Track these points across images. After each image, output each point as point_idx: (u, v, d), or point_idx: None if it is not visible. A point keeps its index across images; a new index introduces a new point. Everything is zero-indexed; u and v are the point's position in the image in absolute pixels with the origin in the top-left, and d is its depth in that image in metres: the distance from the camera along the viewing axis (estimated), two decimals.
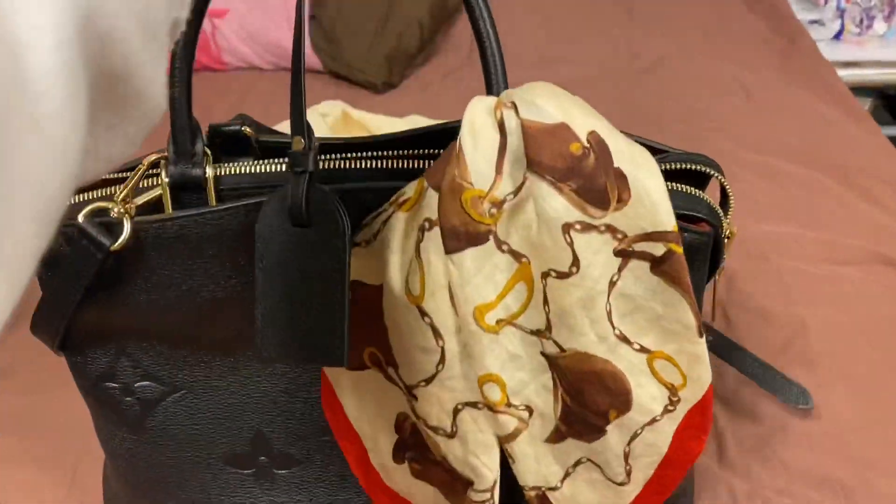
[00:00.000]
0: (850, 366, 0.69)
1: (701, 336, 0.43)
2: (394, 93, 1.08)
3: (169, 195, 0.45)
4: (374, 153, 0.47)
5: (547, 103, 0.39)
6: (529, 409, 0.44)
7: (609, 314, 0.41)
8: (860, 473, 0.62)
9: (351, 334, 0.44)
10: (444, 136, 0.44)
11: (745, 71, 1.08)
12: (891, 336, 0.72)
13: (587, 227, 0.39)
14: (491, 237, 0.40)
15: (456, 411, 0.44)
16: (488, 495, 0.46)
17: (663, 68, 1.12)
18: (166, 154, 0.46)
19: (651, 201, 0.40)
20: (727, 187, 0.47)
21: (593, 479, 0.47)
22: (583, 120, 0.39)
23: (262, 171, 0.46)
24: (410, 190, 0.42)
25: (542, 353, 0.43)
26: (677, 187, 0.45)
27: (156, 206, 0.46)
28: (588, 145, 0.39)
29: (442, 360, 0.43)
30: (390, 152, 0.47)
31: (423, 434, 0.46)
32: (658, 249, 0.40)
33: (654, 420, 0.45)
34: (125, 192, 0.44)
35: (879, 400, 0.67)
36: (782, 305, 0.75)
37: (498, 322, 0.41)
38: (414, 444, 0.46)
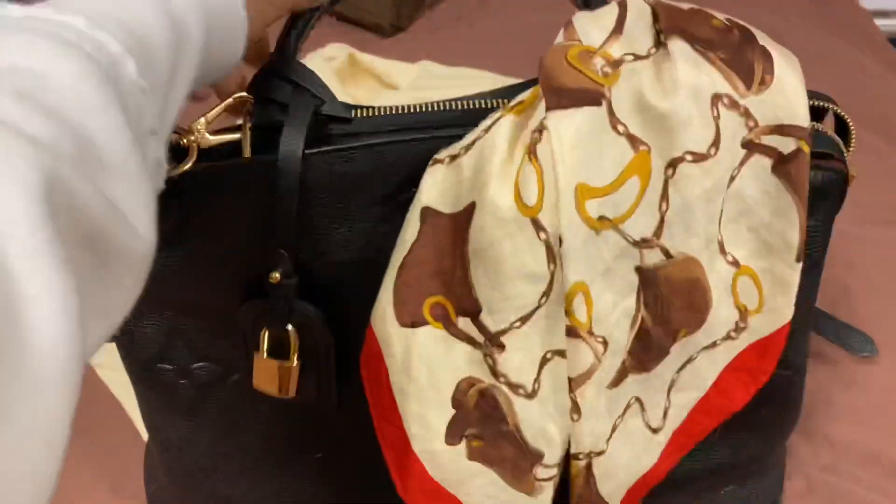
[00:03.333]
0: (895, 334, 0.65)
1: (798, 262, 0.40)
2: (402, 37, 1.03)
3: (248, 140, 0.40)
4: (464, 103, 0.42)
5: None
6: (605, 344, 0.39)
7: (720, 214, 0.39)
8: None
9: (412, 279, 0.40)
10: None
11: (777, 18, 1.02)
12: None
13: (733, 104, 0.37)
14: (604, 103, 0.36)
15: (544, 361, 0.39)
16: (555, 471, 0.42)
17: None
18: (252, 98, 0.41)
19: (793, 91, 0.38)
20: (847, 119, 0.43)
21: (633, 430, 0.43)
22: (714, 11, 0.38)
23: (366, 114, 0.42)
24: (525, 94, 0.38)
25: (637, 268, 0.39)
26: None
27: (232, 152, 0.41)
28: (728, 23, 0.38)
29: (547, 292, 0.37)
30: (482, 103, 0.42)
31: (500, 397, 0.40)
32: (788, 146, 0.38)
33: (713, 344, 0.42)
34: (199, 121, 0.39)
35: None
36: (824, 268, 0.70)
37: (601, 219, 0.36)
38: (479, 418, 0.41)
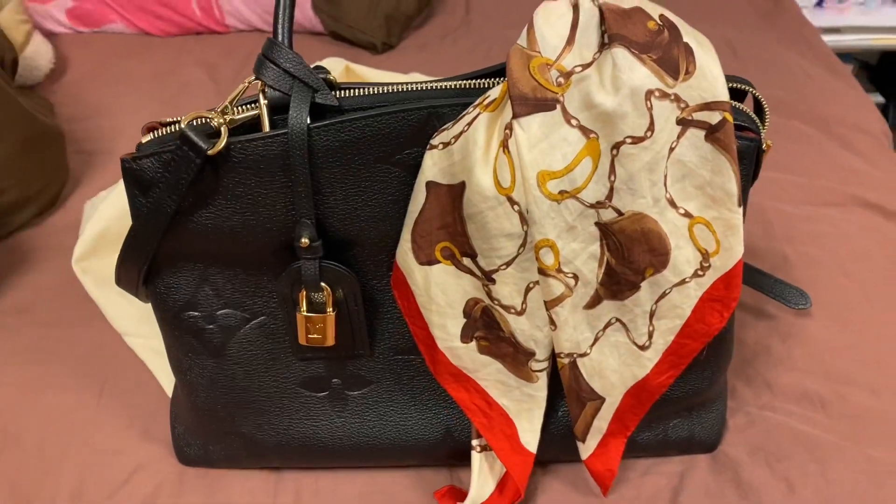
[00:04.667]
0: (827, 295, 0.74)
1: (739, 206, 0.49)
2: (392, 53, 1.12)
3: (266, 117, 0.48)
4: (445, 83, 0.51)
5: None
6: (576, 278, 0.49)
7: (665, 178, 0.47)
8: (836, 388, 0.66)
9: (424, 231, 0.49)
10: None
11: (732, 30, 1.12)
12: (864, 269, 0.77)
13: (663, 95, 0.45)
14: (558, 106, 0.45)
15: (528, 290, 0.50)
16: (546, 364, 0.53)
17: None
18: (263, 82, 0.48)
19: (712, 75, 0.46)
20: (762, 101, 0.52)
21: (618, 343, 0.53)
22: (652, 6, 0.46)
23: (355, 93, 0.50)
24: (496, 92, 0.47)
25: (596, 223, 0.48)
26: None
27: (252, 128, 0.48)
28: (661, 23, 0.46)
29: (524, 244, 0.48)
30: (460, 83, 0.51)
31: (496, 314, 0.51)
32: (714, 118, 0.46)
33: (683, 281, 0.50)
34: (225, 105, 0.48)
35: (854, 324, 0.72)
36: (765, 241, 0.79)
37: (561, 192, 0.46)
38: (483, 325, 0.52)
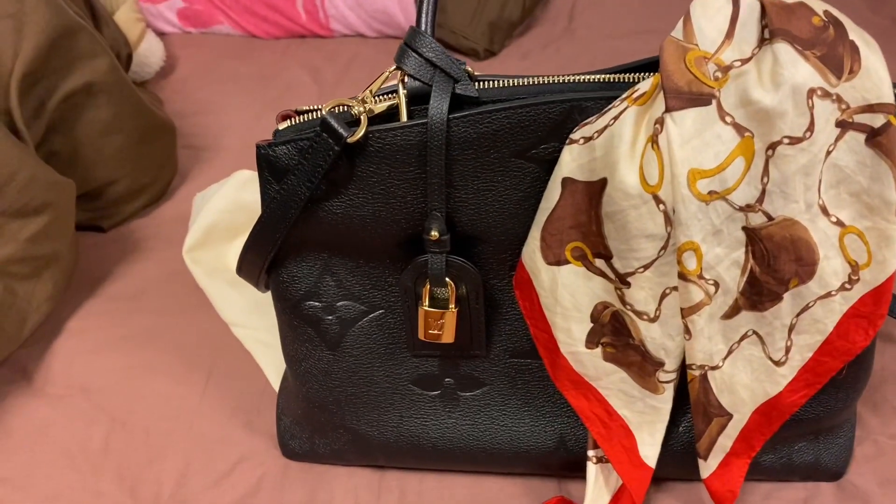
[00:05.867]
0: None
1: None
2: (494, 60, 1.11)
3: (405, 106, 0.47)
4: (588, 77, 0.49)
5: None
6: (716, 285, 0.47)
7: (819, 183, 0.45)
8: None
9: (555, 230, 0.48)
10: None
11: None
12: None
13: (825, 94, 0.43)
14: (714, 101, 0.43)
15: (663, 296, 0.48)
16: (674, 375, 0.51)
17: None
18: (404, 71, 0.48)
19: (878, 75, 0.44)
20: None
21: (752, 357, 0.50)
22: (815, 1, 0.44)
23: (494, 85, 0.49)
24: (646, 85, 0.45)
25: (744, 228, 0.46)
26: None
27: (388, 118, 0.48)
28: (826, 19, 0.43)
29: (665, 246, 0.46)
30: (604, 76, 0.49)
31: (627, 319, 0.49)
32: (877, 121, 0.44)
33: (828, 294, 0.48)
34: (365, 94, 0.47)
35: None
36: None
37: (710, 193, 0.44)
38: (611, 331, 0.50)
